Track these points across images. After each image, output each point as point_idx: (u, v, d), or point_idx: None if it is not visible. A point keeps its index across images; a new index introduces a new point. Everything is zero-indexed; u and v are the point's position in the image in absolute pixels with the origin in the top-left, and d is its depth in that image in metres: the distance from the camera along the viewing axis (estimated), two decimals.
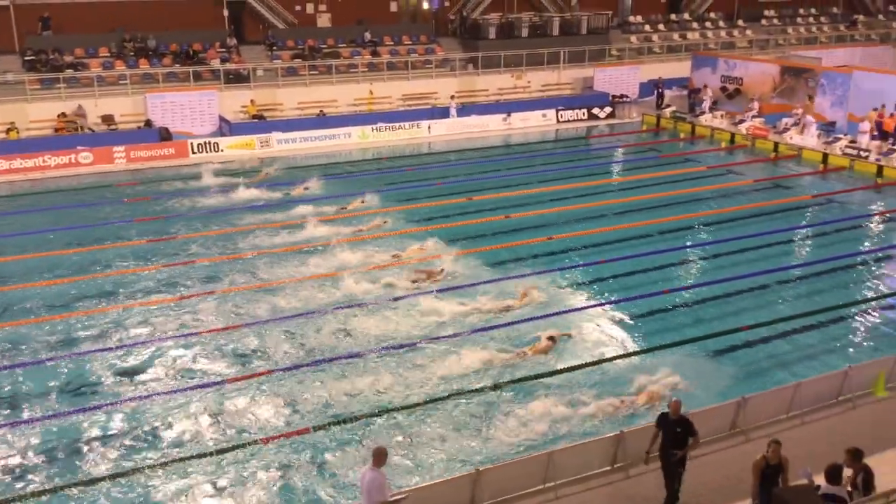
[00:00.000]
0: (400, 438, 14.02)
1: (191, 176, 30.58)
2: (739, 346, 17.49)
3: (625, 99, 42.75)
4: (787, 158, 33.39)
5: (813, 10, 55.33)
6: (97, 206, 27.04)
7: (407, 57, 41.34)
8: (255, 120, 36.33)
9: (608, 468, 13.05)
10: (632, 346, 17.51)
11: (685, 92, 42.84)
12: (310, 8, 42.75)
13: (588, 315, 18.93)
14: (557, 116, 39.99)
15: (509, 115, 39.04)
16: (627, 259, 22.16)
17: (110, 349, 17.28)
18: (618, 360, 16.78)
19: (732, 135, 36.29)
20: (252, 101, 36.85)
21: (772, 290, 20.51)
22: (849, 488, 10.83)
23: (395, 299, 19.50)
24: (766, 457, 11.00)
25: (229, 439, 14.20)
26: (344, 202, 26.97)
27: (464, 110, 38.75)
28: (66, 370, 16.53)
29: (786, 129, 34.79)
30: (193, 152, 33.26)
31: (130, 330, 18.17)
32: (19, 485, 13.06)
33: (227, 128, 35.30)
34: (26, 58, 35.34)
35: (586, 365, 16.46)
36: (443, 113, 38.41)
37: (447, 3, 45.89)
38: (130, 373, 16.44)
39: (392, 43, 42.39)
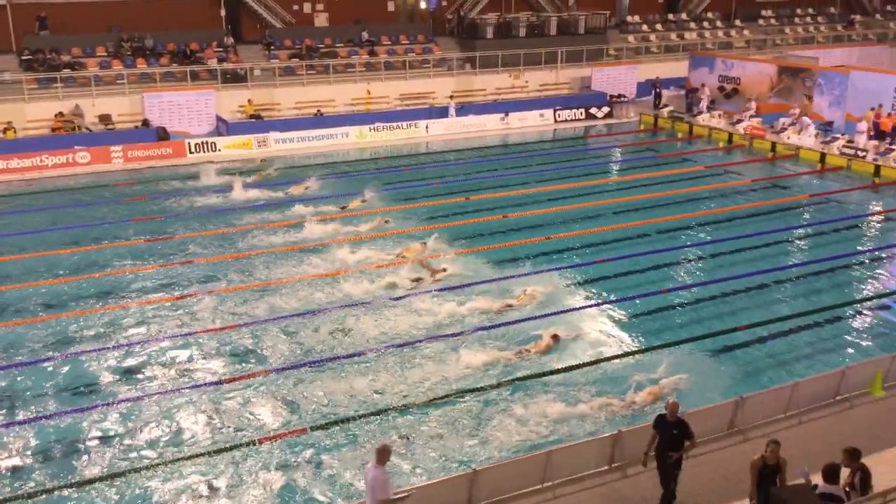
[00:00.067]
0: (397, 438, 13.99)
1: (188, 176, 30.57)
2: (737, 345, 17.49)
3: (622, 99, 42.77)
4: (785, 158, 33.42)
5: (810, 10, 55.38)
6: (95, 206, 27.02)
7: (404, 56, 41.34)
8: (253, 120, 36.31)
9: (606, 468, 13.05)
10: (631, 346, 17.50)
11: (683, 92, 42.89)
12: (307, 7, 42.73)
13: (587, 315, 18.93)
14: (555, 116, 40.00)
15: (507, 115, 39.04)
16: (625, 259, 22.17)
17: (108, 349, 17.26)
18: (617, 360, 16.76)
19: (730, 134, 36.31)
20: (249, 100, 36.83)
21: (769, 289, 20.54)
22: (846, 488, 10.84)
23: (394, 299, 19.50)
24: (765, 456, 11.00)
25: (227, 439, 14.18)
26: (343, 202, 26.96)
27: (462, 110, 38.76)
28: (63, 370, 16.51)
29: (783, 129, 34.82)
30: (191, 152, 33.24)
31: (128, 330, 18.15)
32: (16, 485, 13.03)
33: (224, 127, 35.29)
34: (23, 57, 35.29)
35: (585, 364, 16.45)
36: (440, 113, 38.42)
37: (444, 3, 45.90)
38: (128, 372, 16.43)
39: (389, 42, 42.38)
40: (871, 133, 32.63)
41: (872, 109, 33.15)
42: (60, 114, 33.71)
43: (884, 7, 57.74)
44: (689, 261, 22.86)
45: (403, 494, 11.02)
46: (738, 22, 52.50)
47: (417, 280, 20.48)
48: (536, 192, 28.39)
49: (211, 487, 12.95)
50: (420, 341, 17.43)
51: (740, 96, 39.57)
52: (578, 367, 16.36)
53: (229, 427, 14.57)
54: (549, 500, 12.44)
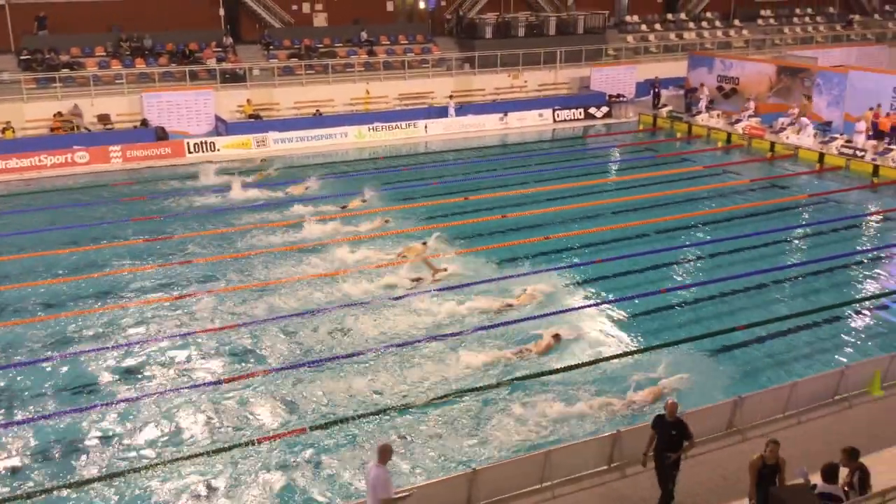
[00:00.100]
0: (397, 438, 13.99)
1: (187, 175, 30.56)
2: (736, 345, 17.50)
3: (621, 98, 42.79)
4: (784, 158, 33.44)
5: (809, 10, 55.42)
6: (93, 206, 27.02)
7: (403, 56, 41.33)
8: (252, 120, 36.30)
9: (605, 468, 13.06)
10: (630, 346, 17.50)
11: (682, 91, 42.92)
12: (306, 7, 42.70)
13: (586, 314, 18.94)
14: (554, 116, 40.02)
15: (506, 115, 39.06)
16: (624, 258, 22.17)
17: (107, 349, 17.25)
18: (617, 360, 16.76)
19: (729, 134, 36.33)
20: (248, 100, 36.82)
21: (768, 289, 20.55)
22: (845, 487, 10.85)
23: (394, 299, 19.50)
24: (764, 456, 11.01)
25: (226, 439, 14.18)
26: (343, 202, 26.96)
27: (462, 110, 38.76)
28: (62, 370, 16.50)
29: (782, 129, 34.84)
30: (190, 152, 33.24)
31: (127, 330, 18.15)
32: (14, 485, 13.02)
33: (223, 127, 35.29)
34: (22, 57, 35.27)
35: (585, 364, 16.46)
36: (439, 112, 38.43)
37: (443, 3, 45.88)
38: (127, 372, 16.42)
39: (388, 42, 42.37)
40: (870, 133, 32.66)
41: (871, 109, 33.17)
42: (59, 113, 33.70)
43: (882, 7, 57.77)
44: (688, 261, 22.87)
45: (404, 494, 11.03)
46: (736, 22, 52.52)
47: (417, 280, 20.48)
48: (535, 191, 28.40)
49: (210, 487, 12.95)
50: (419, 341, 17.43)
51: (739, 96, 39.60)
52: (578, 366, 16.37)
53: (228, 427, 14.56)
54: (549, 500, 12.45)
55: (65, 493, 12.82)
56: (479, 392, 15.47)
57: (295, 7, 42.37)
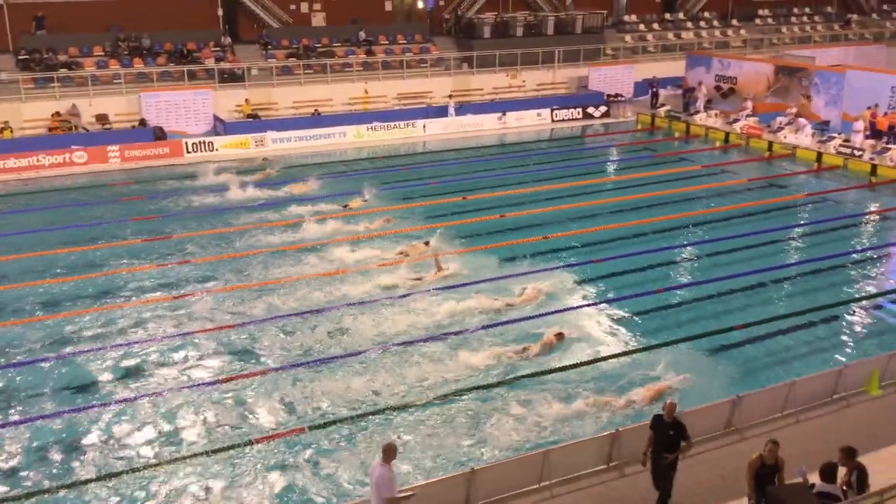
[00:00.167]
0: (396, 438, 13.99)
1: (186, 175, 30.55)
2: (735, 344, 17.52)
3: (619, 98, 42.78)
4: (782, 157, 33.47)
5: (807, 10, 55.45)
6: (92, 206, 26.99)
7: (402, 56, 41.32)
8: (250, 119, 36.29)
9: (603, 467, 13.07)
10: (629, 345, 17.51)
11: (680, 91, 42.94)
12: (304, 7, 42.67)
13: (585, 314, 18.95)
14: (552, 116, 40.02)
15: (504, 115, 39.06)
16: (622, 258, 22.18)
17: (106, 349, 17.24)
18: (616, 359, 16.76)
19: (727, 134, 36.35)
20: (247, 100, 36.81)
21: (766, 288, 20.57)
22: (843, 487, 10.87)
23: (393, 298, 19.49)
24: (763, 456, 11.02)
25: (225, 439, 14.18)
26: (342, 201, 26.95)
27: (462, 109, 38.77)
28: (60, 370, 16.49)
29: (780, 129, 34.88)
30: (188, 152, 33.22)
31: (126, 329, 18.13)
32: (14, 486, 13.02)
33: (221, 127, 35.27)
34: (20, 57, 35.24)
35: (584, 363, 16.46)
36: (438, 112, 38.44)
37: (442, 3, 45.86)
38: (126, 372, 16.42)
39: (387, 42, 42.36)
40: (868, 132, 32.69)
41: (869, 109, 33.20)
42: (57, 113, 33.68)
43: (880, 6, 57.82)
44: (686, 260, 22.90)
45: (409, 493, 11.03)
46: (734, 21, 52.54)
47: (418, 279, 20.49)
48: (534, 191, 28.40)
49: (209, 487, 12.94)
50: (419, 341, 17.43)
51: (737, 96, 39.62)
52: (577, 366, 16.38)
53: (227, 427, 14.56)
54: (547, 500, 12.46)
55: (64, 493, 12.81)
56: (478, 391, 15.48)
57: (293, 7, 42.33)
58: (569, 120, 40.25)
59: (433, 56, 42.05)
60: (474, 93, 41.94)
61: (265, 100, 37.66)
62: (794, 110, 35.66)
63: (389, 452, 10.73)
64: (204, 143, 33.76)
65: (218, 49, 38.48)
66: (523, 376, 15.99)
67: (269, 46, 39.83)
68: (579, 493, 12.62)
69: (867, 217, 26.67)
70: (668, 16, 51.20)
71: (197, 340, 17.63)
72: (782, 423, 14.32)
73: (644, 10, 50.92)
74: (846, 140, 32.67)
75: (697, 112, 38.75)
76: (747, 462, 11.19)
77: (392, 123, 36.75)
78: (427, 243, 22.57)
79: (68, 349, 17.28)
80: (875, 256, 23.14)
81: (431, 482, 12.13)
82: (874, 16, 56.84)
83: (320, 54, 40.01)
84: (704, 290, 20.35)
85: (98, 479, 13.11)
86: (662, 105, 41.04)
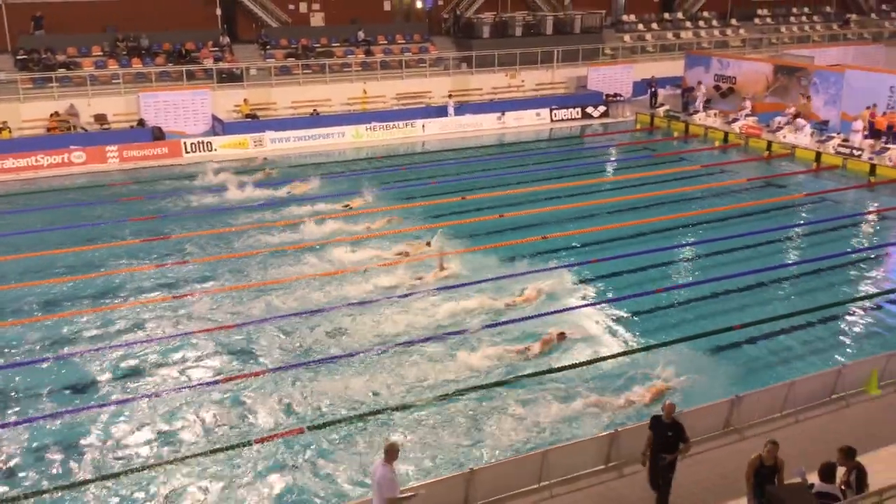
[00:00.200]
0: (395, 437, 13.97)
1: (185, 175, 30.53)
2: (734, 344, 17.52)
3: (618, 98, 42.82)
4: (781, 157, 33.47)
5: (806, 9, 55.50)
6: (91, 206, 26.96)
7: (401, 56, 41.32)
8: (249, 119, 36.28)
9: (602, 467, 13.07)
10: (629, 345, 17.51)
11: (679, 91, 42.95)
12: (303, 7, 42.66)
13: (584, 314, 18.95)
14: (551, 115, 40.03)
15: (503, 114, 39.07)
16: (621, 258, 22.17)
17: (105, 349, 17.22)
18: (616, 359, 16.77)
19: (726, 133, 36.36)
20: (245, 100, 36.80)
21: (765, 288, 20.57)
22: (842, 486, 10.86)
23: (393, 298, 19.48)
24: (762, 456, 11.02)
25: (223, 439, 14.17)
26: (343, 201, 26.93)
27: (461, 109, 38.77)
28: (59, 370, 16.47)
29: (779, 128, 34.89)
30: (187, 152, 33.20)
31: (125, 330, 18.12)
32: (12, 486, 13.00)
33: (220, 127, 35.25)
34: (19, 57, 35.21)
35: (584, 363, 16.48)
36: (437, 112, 38.44)
37: (441, 2, 45.87)
38: (125, 373, 16.40)
39: (386, 42, 42.36)
40: (866, 132, 32.70)
41: (868, 108, 33.21)
42: (56, 113, 33.66)
43: (879, 6, 57.88)
44: (685, 260, 22.90)
45: (410, 493, 11.02)
46: (733, 21, 52.56)
47: (418, 279, 20.48)
48: (533, 191, 28.40)
49: (208, 488, 12.93)
50: (418, 341, 17.43)
51: (736, 95, 39.63)
52: (577, 365, 16.38)
53: (226, 427, 14.54)
54: (546, 500, 12.45)
55: (62, 494, 12.79)
56: (478, 391, 15.47)
57: (292, 6, 42.33)
58: (568, 120, 40.25)
59: (432, 56, 42.05)
60: (473, 93, 41.95)
61: (264, 100, 37.64)
62: (792, 110, 35.67)
63: (391, 452, 10.73)
64: (202, 143, 33.74)
65: (216, 49, 38.46)
66: (523, 376, 15.99)
67: (268, 46, 39.82)
68: (578, 493, 12.62)
69: (866, 217, 26.67)
70: (666, 15, 51.21)
71: (196, 341, 17.61)
72: (781, 422, 14.32)
73: (643, 9, 50.94)
74: (845, 140, 32.68)
75: (696, 112, 38.76)
76: (747, 462, 11.18)
77: (391, 123, 36.75)
78: (429, 243, 22.58)
79: (67, 349, 17.26)
80: (874, 256, 23.15)
81: (430, 482, 12.11)
82: (873, 15, 56.89)
83: (319, 54, 40.00)
84: (703, 290, 20.36)
85: (97, 479, 13.10)
86: (661, 105, 41.06)
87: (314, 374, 16.18)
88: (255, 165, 32.16)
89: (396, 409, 14.95)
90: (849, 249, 23.40)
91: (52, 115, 33.60)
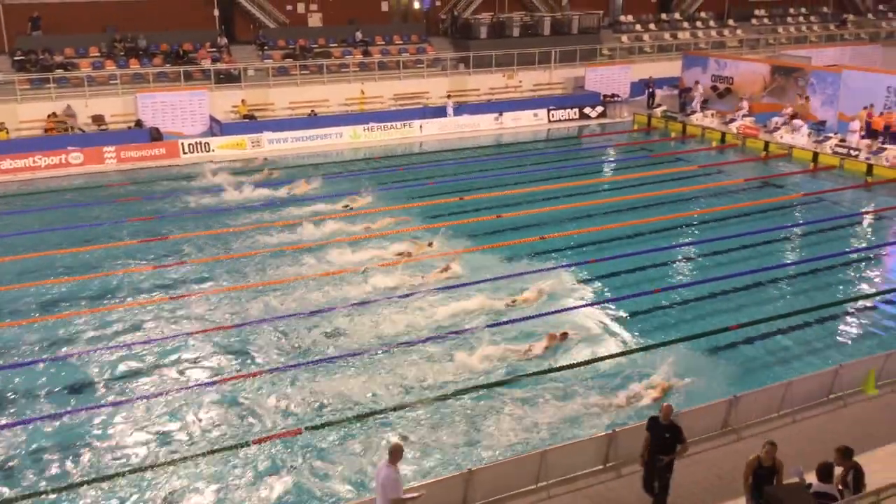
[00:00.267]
0: (394, 438, 13.98)
1: (182, 176, 30.52)
2: (732, 344, 17.54)
3: (616, 98, 42.84)
4: (778, 157, 33.51)
5: (803, 10, 55.58)
6: (89, 207, 26.94)
7: (398, 56, 41.33)
8: (246, 120, 36.27)
9: (600, 467, 13.08)
10: (629, 345, 17.51)
11: (676, 91, 42.98)
12: (301, 7, 42.66)
13: (583, 314, 18.95)
14: (549, 116, 40.05)
15: (501, 115, 39.09)
16: (620, 258, 22.19)
17: (103, 350, 17.20)
18: (615, 359, 16.78)
19: (723, 134, 36.40)
20: (243, 100, 36.79)
21: (763, 288, 20.59)
22: (840, 486, 10.88)
23: (392, 298, 19.48)
24: (760, 457, 11.03)
25: (221, 440, 14.16)
26: (342, 202, 26.91)
27: (459, 109, 38.79)
28: (56, 371, 16.45)
29: (776, 129, 34.92)
30: (185, 152, 33.18)
31: (123, 331, 18.10)
32: (9, 487, 12.99)
33: (217, 128, 35.23)
34: (16, 58, 35.18)
35: (584, 363, 16.49)
36: (434, 112, 38.44)
37: (438, 3, 45.88)
38: (123, 374, 16.39)
39: (383, 42, 42.36)
40: (863, 132, 32.75)
41: (865, 108, 33.26)
42: (53, 114, 33.63)
43: (876, 6, 57.99)
44: (683, 260, 22.91)
45: (414, 494, 11.02)
46: (731, 21, 52.62)
47: (420, 279, 20.47)
48: (530, 191, 28.41)
49: (206, 489, 12.92)
50: (418, 341, 17.43)
51: (733, 96, 39.67)
52: (576, 365, 16.40)
53: (225, 427, 14.54)
54: (544, 500, 12.46)
55: (61, 494, 12.78)
56: (477, 391, 15.48)
57: (289, 7, 42.34)
58: (565, 120, 40.27)
59: (430, 56, 42.06)
60: (471, 93, 41.97)
61: (261, 100, 37.63)
62: (789, 110, 35.73)
63: (396, 453, 10.73)
64: (200, 143, 33.72)
65: (214, 50, 38.45)
66: (523, 376, 16.00)
67: (266, 47, 39.81)
68: (577, 493, 12.63)
69: (863, 217, 26.71)
70: (664, 16, 51.25)
71: (194, 342, 17.59)
72: (779, 422, 14.34)
73: (640, 10, 50.99)
74: (842, 140, 32.73)
75: (694, 112, 38.80)
76: (745, 462, 11.20)
77: (389, 124, 36.75)
78: (430, 244, 22.60)
79: (65, 350, 17.25)
80: (871, 256, 23.19)
81: (429, 482, 12.11)
82: (870, 16, 57.00)
83: (317, 55, 40.00)
84: (701, 290, 20.37)
85: (94, 480, 13.09)
86: (659, 105, 41.10)
87: (313, 375, 16.18)
88: (255, 166, 32.14)
89: (396, 408, 14.95)
90: (846, 249, 23.44)
91: (49, 116, 33.58)
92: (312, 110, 37.71)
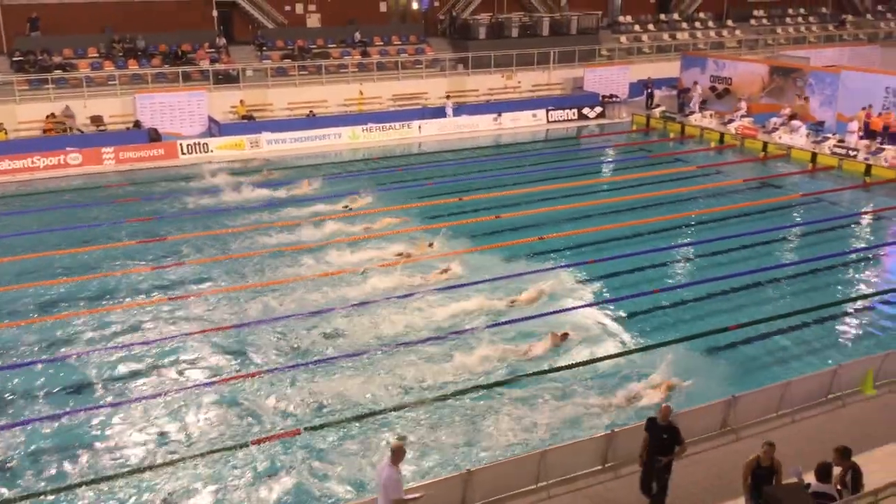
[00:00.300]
0: (393, 438, 13.97)
1: (181, 177, 30.51)
2: (731, 344, 17.54)
3: (614, 99, 42.86)
4: (777, 158, 33.54)
5: (802, 10, 55.62)
6: (87, 208, 26.93)
7: (397, 57, 41.34)
8: (245, 120, 36.26)
9: (600, 468, 13.09)
10: (628, 346, 17.51)
11: (675, 92, 43.00)
12: (299, 8, 42.68)
13: (583, 314, 18.95)
14: (547, 116, 40.07)
15: (500, 116, 39.11)
16: (619, 259, 22.19)
17: (102, 350, 17.19)
18: (615, 359, 16.79)
19: (722, 134, 36.43)
20: (241, 101, 36.79)
21: (762, 288, 20.60)
22: (838, 486, 10.89)
23: (392, 299, 19.47)
24: (759, 457, 11.05)
25: (220, 440, 14.16)
26: (342, 202, 26.91)
27: (458, 110, 38.81)
28: (55, 372, 16.44)
29: (774, 129, 34.95)
30: (183, 153, 33.17)
31: (122, 331, 18.08)
32: (7, 488, 12.98)
33: (216, 128, 35.22)
34: (14, 59, 35.17)
35: (583, 363, 16.49)
36: (433, 113, 38.45)
37: (437, 3, 45.89)
38: (122, 374, 16.38)
39: (382, 43, 42.38)
40: (862, 133, 32.77)
41: (863, 109, 33.29)
42: (52, 115, 33.62)
43: (874, 7, 58.05)
44: (682, 261, 22.93)
45: (416, 495, 11.01)
46: (729, 22, 52.67)
47: (420, 279, 20.47)
48: (529, 192, 28.42)
49: (205, 489, 12.91)
50: (417, 341, 17.43)
51: (732, 96, 39.70)
52: (576, 366, 16.40)
53: (224, 428, 14.53)
54: (544, 500, 12.47)
55: (60, 495, 12.77)
56: (477, 391, 15.48)
57: (288, 8, 42.35)
58: (564, 121, 40.29)
59: (428, 57, 42.07)
60: (469, 94, 41.99)
61: (260, 101, 37.63)
62: (788, 111, 35.75)
63: (398, 454, 10.71)
64: (199, 144, 33.71)
65: (213, 50, 38.44)
66: (522, 376, 16.00)
67: (264, 47, 39.82)
68: (576, 493, 12.63)
69: (862, 217, 26.73)
70: (662, 16, 51.29)
71: (193, 342, 17.58)
72: (777, 423, 14.35)
73: (639, 10, 51.02)
74: (841, 140, 32.76)
75: (692, 113, 38.83)
76: (744, 462, 11.21)
77: (387, 124, 36.75)
78: (431, 245, 22.61)
79: (63, 351, 17.23)
80: (869, 257, 23.22)
81: (428, 483, 12.11)
82: (868, 16, 57.08)
83: (315, 55, 40.01)
84: (700, 291, 20.38)
85: (93, 481, 13.08)
86: (657, 106, 41.13)
87: (311, 375, 16.18)
88: (254, 167, 32.14)
89: (396, 409, 14.95)
90: (845, 250, 23.46)
91: (48, 117, 33.57)
92: (311, 111, 37.71)
